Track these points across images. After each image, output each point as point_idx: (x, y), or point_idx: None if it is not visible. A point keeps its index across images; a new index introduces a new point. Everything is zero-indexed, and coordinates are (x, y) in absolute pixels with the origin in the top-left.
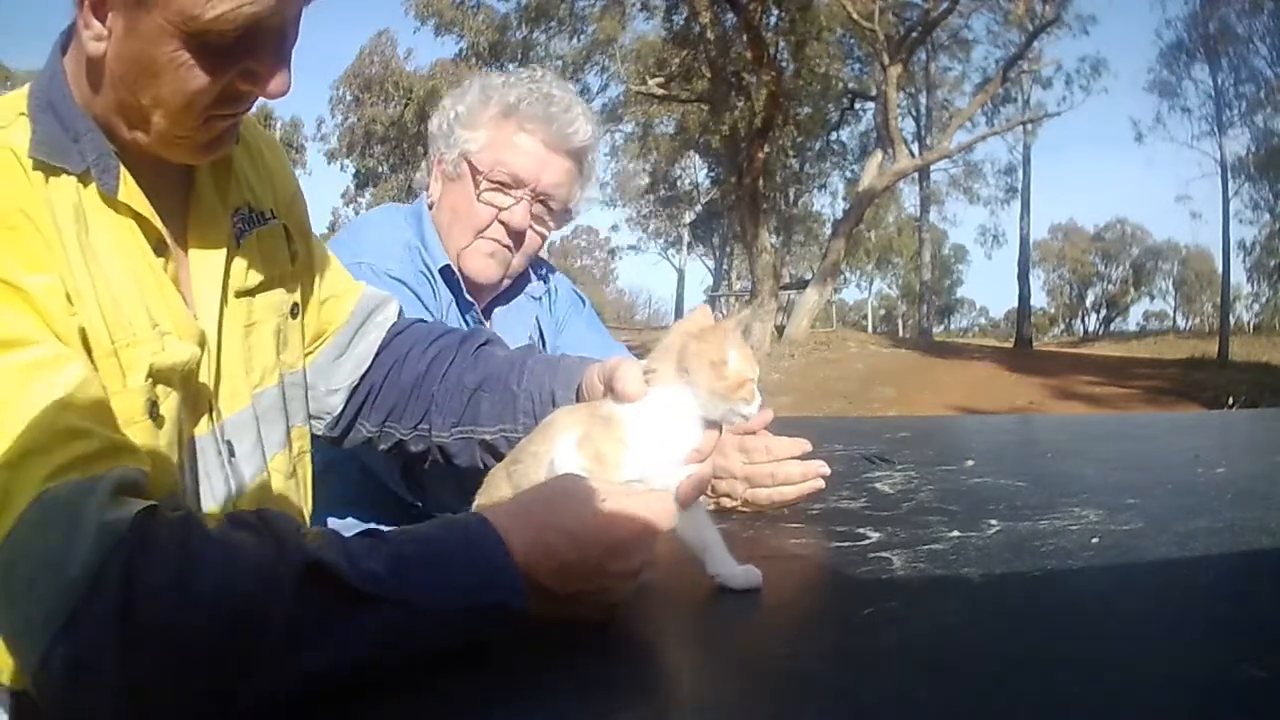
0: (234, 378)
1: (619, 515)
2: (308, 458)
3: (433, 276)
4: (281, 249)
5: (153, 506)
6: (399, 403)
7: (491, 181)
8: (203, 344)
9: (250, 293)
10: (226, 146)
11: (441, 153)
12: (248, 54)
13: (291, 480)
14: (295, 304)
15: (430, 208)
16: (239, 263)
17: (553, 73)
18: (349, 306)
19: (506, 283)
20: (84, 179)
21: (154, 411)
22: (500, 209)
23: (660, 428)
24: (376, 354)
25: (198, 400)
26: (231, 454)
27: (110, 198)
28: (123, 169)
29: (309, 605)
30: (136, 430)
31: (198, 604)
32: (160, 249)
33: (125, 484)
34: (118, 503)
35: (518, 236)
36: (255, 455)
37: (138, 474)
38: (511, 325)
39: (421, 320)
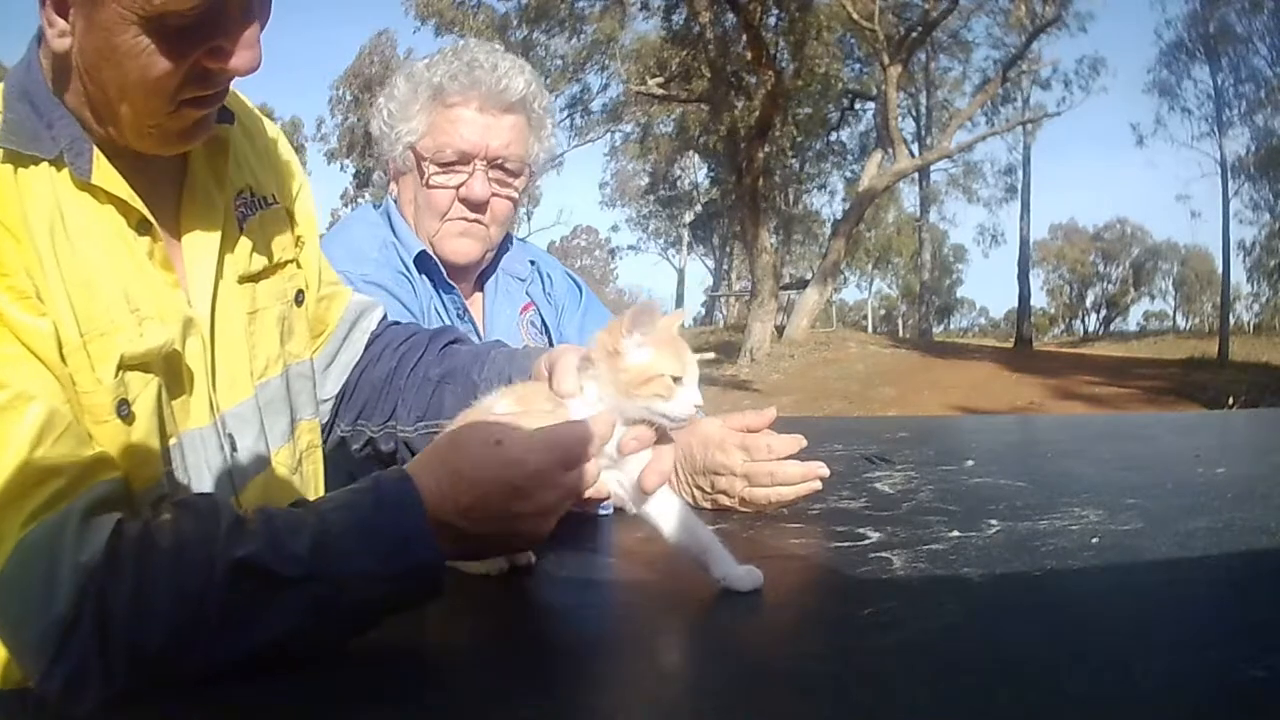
0: (234, 366)
1: (517, 456)
2: (318, 453)
3: (410, 270)
4: (285, 233)
5: (118, 527)
6: (370, 400)
7: (440, 165)
8: (190, 327)
9: (254, 278)
10: (202, 134)
11: (389, 153)
12: (212, 32)
13: (296, 475)
14: (300, 290)
15: (396, 203)
16: (242, 247)
17: (475, 39)
18: (339, 311)
19: (490, 255)
20: (57, 164)
21: (123, 409)
22: (456, 187)
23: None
24: (358, 360)
25: (192, 388)
26: (234, 448)
27: (84, 181)
28: (97, 152)
29: (237, 597)
30: (106, 429)
31: (153, 618)
32: (143, 230)
33: (96, 503)
34: (89, 531)
35: (481, 208)
36: (258, 448)
37: (109, 485)
38: (501, 308)
39: (397, 322)
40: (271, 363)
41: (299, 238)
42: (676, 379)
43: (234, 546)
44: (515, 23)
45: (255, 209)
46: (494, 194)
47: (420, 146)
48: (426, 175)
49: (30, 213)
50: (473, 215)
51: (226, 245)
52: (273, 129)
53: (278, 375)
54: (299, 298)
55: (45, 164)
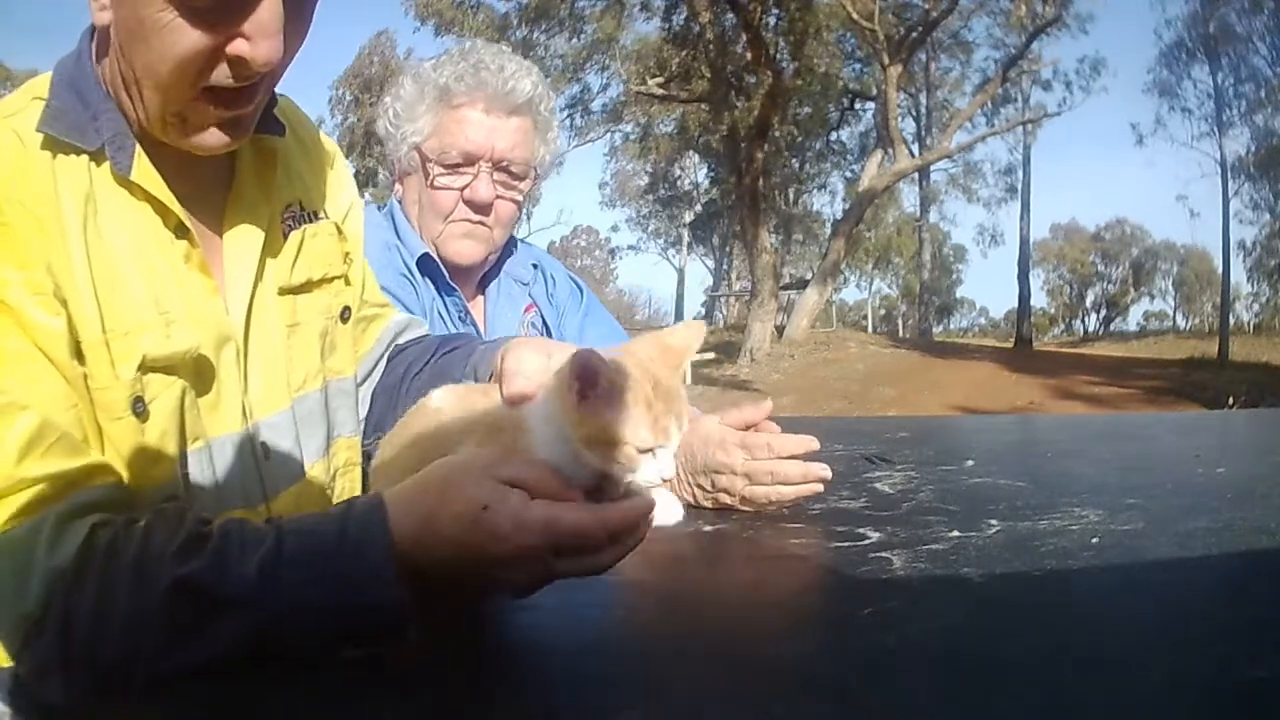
0: (271, 377)
1: (503, 532)
2: (356, 471)
3: (412, 273)
4: (333, 249)
5: (92, 534)
6: (383, 412)
7: (445, 166)
8: (225, 333)
9: (295, 291)
10: (231, 138)
11: (394, 153)
12: (233, 16)
13: (329, 491)
14: (347, 307)
15: (401, 204)
16: (285, 259)
17: (482, 40)
18: (376, 332)
19: (493, 258)
20: (97, 158)
21: (138, 406)
22: (461, 189)
23: (536, 447)
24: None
25: (223, 394)
26: (266, 456)
27: (123, 178)
28: (139, 150)
29: (176, 615)
30: (119, 426)
31: (109, 631)
32: (181, 233)
33: (77, 508)
34: (63, 537)
35: (485, 210)
36: (291, 461)
37: (97, 491)
38: (503, 311)
39: (419, 340)
40: (310, 377)
41: (347, 254)
42: (644, 451)
43: (181, 563)
44: (515, 23)
45: (303, 222)
46: (498, 196)
47: (425, 147)
48: (431, 176)
49: (64, 203)
50: (476, 217)
51: (269, 255)
52: (329, 145)
53: (316, 390)
54: (344, 314)
55: (85, 155)
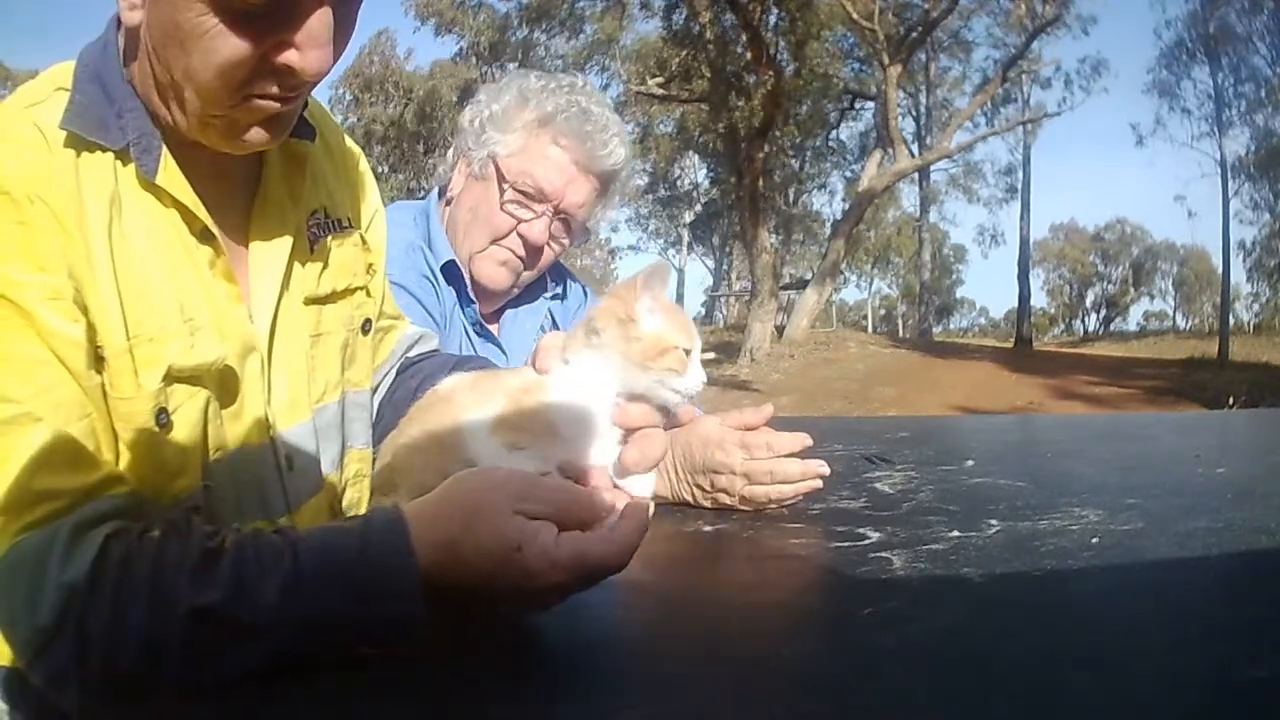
0: (294, 388)
1: (537, 569)
2: (365, 482)
3: (435, 278)
4: (358, 259)
5: (105, 545)
6: (390, 427)
7: (516, 191)
8: (249, 342)
9: (321, 301)
10: (273, 136)
11: (469, 150)
12: (282, 24)
13: (340, 503)
14: (368, 319)
15: (447, 202)
16: (312, 269)
17: (592, 84)
18: (390, 344)
19: (516, 291)
20: (123, 158)
21: (161, 418)
22: (521, 221)
23: (573, 404)
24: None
25: (247, 404)
26: (290, 467)
27: (148, 181)
28: (165, 151)
29: (197, 642)
30: (141, 436)
31: (125, 646)
32: (205, 238)
33: (90, 519)
34: (76, 549)
35: (534, 251)
36: (312, 472)
37: (111, 501)
38: (523, 325)
39: (433, 354)
40: (330, 389)
41: (370, 265)
42: (687, 351)
43: (197, 590)
44: (515, 23)
45: (329, 231)
46: (548, 242)
47: (504, 163)
48: (503, 200)
49: (88, 204)
50: (521, 251)
51: (295, 264)
52: (354, 148)
53: (334, 401)
54: (365, 326)
55: (110, 154)
